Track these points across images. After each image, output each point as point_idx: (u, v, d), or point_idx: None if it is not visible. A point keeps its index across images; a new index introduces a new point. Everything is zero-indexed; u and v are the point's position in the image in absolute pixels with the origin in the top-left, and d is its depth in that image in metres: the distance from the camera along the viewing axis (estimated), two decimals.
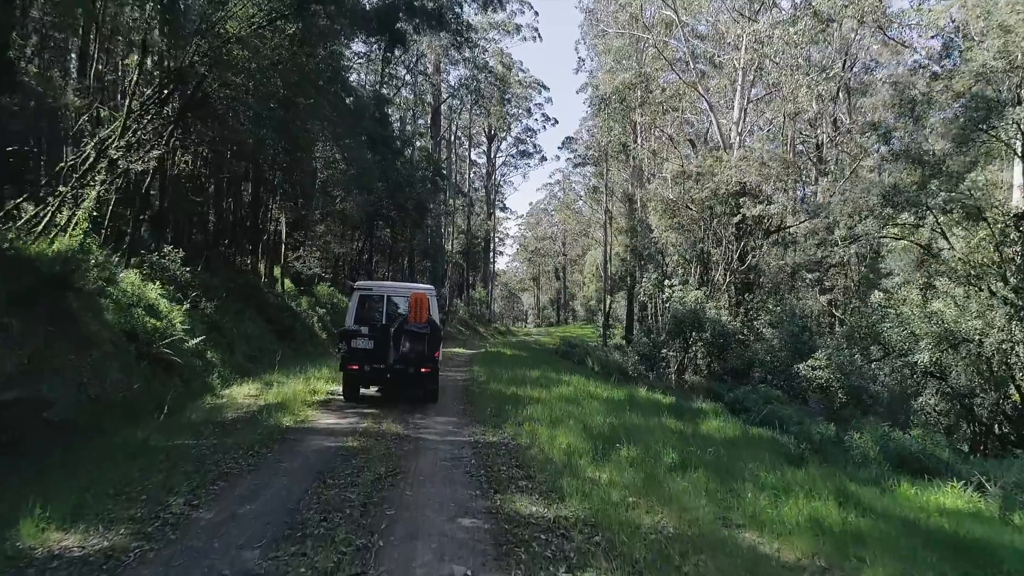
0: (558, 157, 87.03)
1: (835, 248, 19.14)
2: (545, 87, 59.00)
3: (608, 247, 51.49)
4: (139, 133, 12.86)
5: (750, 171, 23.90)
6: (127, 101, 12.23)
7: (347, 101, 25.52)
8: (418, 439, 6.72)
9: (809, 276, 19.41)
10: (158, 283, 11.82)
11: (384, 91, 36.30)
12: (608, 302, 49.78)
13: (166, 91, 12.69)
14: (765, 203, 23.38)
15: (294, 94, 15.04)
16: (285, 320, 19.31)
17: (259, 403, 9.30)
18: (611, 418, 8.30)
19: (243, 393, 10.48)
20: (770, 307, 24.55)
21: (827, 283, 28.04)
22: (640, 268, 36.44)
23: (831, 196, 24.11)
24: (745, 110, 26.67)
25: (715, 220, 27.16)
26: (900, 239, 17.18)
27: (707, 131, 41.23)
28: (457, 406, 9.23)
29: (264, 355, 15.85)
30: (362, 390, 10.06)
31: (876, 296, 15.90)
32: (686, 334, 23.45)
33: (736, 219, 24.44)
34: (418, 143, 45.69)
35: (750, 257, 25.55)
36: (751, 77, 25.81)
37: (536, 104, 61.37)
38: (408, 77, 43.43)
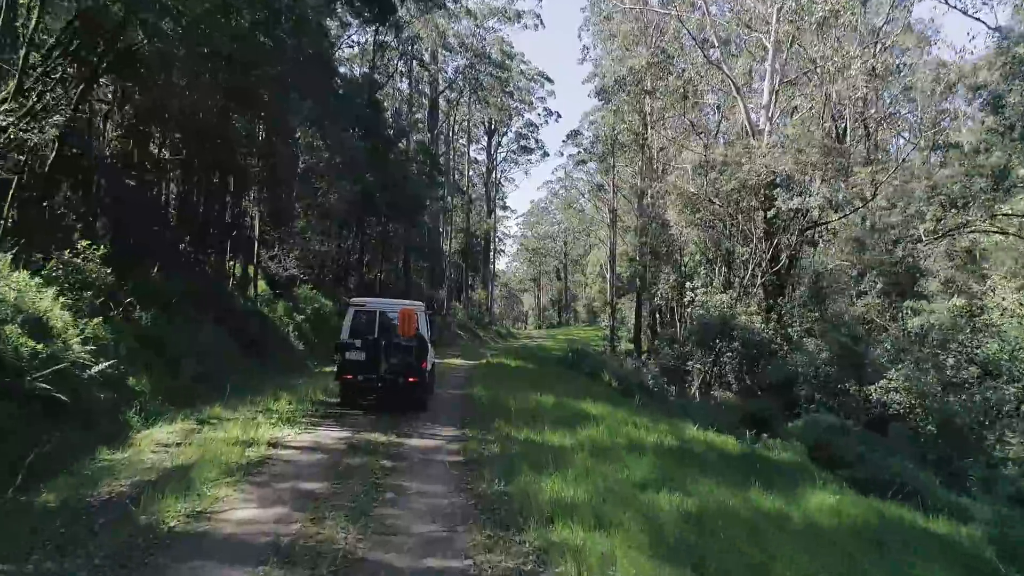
0: (561, 153, 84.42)
1: (918, 245, 16.32)
2: (549, 79, 55.93)
3: (613, 247, 48.76)
4: (45, 97, 10.07)
5: (785, 159, 21.08)
6: (21, 53, 9.44)
7: (334, 83, 22.81)
8: (378, 571, 3.91)
9: (882, 280, 16.60)
10: (55, 289, 8.96)
11: (377, 77, 33.56)
12: (613, 304, 47.07)
13: (75, 42, 9.90)
14: (804, 195, 20.58)
15: (253, 56, 12.23)
16: (253, 329, 16.46)
17: (169, 462, 6.52)
18: (680, 495, 5.53)
19: (160, 439, 7.69)
20: (806, 313, 21.74)
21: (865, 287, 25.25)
22: (652, 269, 33.61)
23: (876, 187, 21.33)
24: (776, 92, 23.89)
25: (742, 215, 24.39)
26: (1006, 233, 14.40)
27: (719, 125, 38.44)
28: (451, 470, 6.45)
29: (221, 374, 12.99)
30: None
31: (954, 302, 13.21)
32: (714, 344, 20.65)
33: (770, 213, 21.65)
34: (415, 137, 42.98)
35: (784, 256, 22.73)
36: (784, 55, 23.03)
37: (538, 97, 58.52)
38: (402, 67, 40.68)
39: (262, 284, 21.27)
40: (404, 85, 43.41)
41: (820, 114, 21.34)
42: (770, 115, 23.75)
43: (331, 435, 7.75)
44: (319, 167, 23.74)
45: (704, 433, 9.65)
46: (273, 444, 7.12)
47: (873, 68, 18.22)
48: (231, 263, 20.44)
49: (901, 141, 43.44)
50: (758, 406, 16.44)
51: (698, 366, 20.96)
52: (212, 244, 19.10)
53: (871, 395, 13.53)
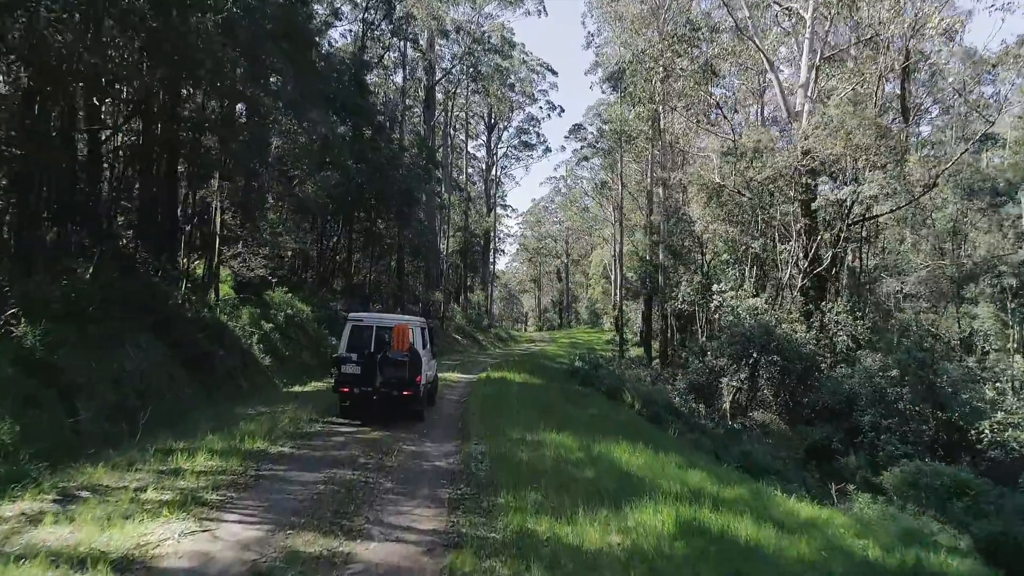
0: (563, 148, 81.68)
1: None
2: (552, 71, 53.12)
3: (620, 246, 45.94)
4: None
5: (833, 143, 18.20)
6: None
7: (311, 56, 19.90)
8: None
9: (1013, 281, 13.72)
10: None
11: (367, 59, 30.65)
12: (621, 307, 44.21)
13: None
14: (855, 183, 17.69)
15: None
16: (201, 343, 13.46)
17: None
18: None
19: None
20: (854, 320, 18.82)
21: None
22: (667, 269, 30.70)
23: (936, 176, 18.47)
24: (816, 68, 21.01)
25: (777, 208, 21.52)
26: None
27: (731, 118, 35.62)
28: None
29: (144, 406, 10.06)
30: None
31: None
32: (750, 357, 17.74)
33: (814, 205, 18.77)
34: (410, 128, 40.12)
35: (826, 255, 19.83)
36: (828, 23, 20.15)
37: (540, 90, 55.78)
38: (396, 55, 37.81)
39: (225, 287, 18.35)
40: (399, 78, 40.68)
41: (874, 90, 18.44)
42: (809, 94, 20.88)
43: (236, 537, 4.76)
44: (294, 153, 20.83)
45: (801, 505, 6.76)
46: (125, 568, 4.15)
47: (947, 30, 15.37)
48: (190, 262, 17.53)
49: (925, 130, 40.86)
50: (816, 436, 13.53)
51: (732, 383, 18.04)
52: (163, 240, 16.16)
53: (983, 432, 10.68)
